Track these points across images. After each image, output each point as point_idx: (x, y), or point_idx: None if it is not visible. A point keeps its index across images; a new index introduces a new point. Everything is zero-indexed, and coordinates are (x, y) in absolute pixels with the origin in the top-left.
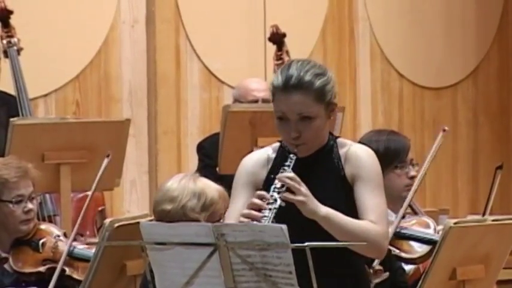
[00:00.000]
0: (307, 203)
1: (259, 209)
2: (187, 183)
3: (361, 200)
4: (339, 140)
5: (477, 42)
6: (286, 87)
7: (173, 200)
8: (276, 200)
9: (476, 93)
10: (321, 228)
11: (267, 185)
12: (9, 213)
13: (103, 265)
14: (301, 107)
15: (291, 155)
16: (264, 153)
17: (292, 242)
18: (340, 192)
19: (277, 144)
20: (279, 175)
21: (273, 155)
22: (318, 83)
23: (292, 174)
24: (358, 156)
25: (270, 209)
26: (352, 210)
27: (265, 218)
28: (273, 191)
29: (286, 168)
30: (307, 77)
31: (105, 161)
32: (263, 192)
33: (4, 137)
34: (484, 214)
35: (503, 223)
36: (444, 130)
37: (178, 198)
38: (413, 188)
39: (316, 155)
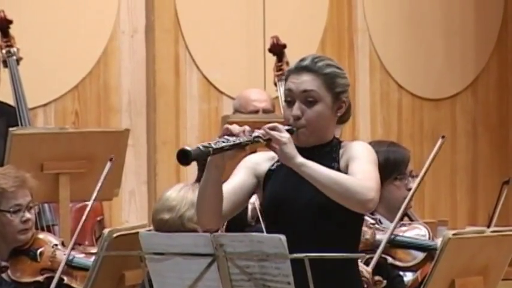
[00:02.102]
0: (287, 145)
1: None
2: (186, 193)
3: (350, 170)
4: (344, 142)
5: (476, 54)
6: (298, 69)
7: (171, 209)
8: (254, 132)
9: (475, 104)
10: (316, 230)
11: (267, 179)
12: (7, 223)
13: (102, 275)
14: (307, 85)
15: (288, 127)
16: (270, 152)
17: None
18: None
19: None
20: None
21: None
22: (328, 70)
23: (278, 125)
24: (351, 144)
25: (245, 134)
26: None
27: (240, 138)
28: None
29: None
30: (319, 64)
31: (108, 164)
32: (246, 127)
33: (3, 147)
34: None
35: (502, 234)
36: (443, 137)
37: (176, 208)
38: (410, 193)
39: (314, 148)
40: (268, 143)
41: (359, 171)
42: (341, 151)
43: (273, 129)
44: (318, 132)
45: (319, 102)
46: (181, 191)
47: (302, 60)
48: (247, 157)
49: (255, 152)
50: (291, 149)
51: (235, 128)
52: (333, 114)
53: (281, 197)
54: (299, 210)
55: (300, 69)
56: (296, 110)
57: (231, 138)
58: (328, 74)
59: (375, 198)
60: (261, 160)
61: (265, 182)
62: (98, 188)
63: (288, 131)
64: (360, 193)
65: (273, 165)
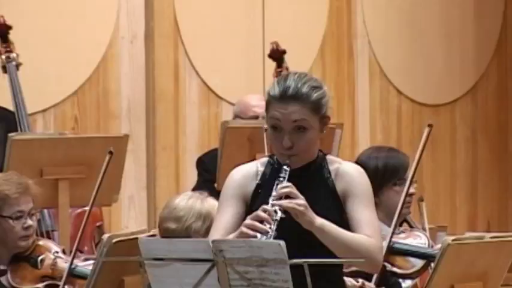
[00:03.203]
0: (306, 214)
1: (262, 221)
2: (194, 204)
3: (355, 216)
4: (329, 156)
5: (476, 60)
6: (283, 98)
7: (179, 219)
8: (276, 212)
9: (474, 110)
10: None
11: (255, 197)
12: (9, 229)
13: (101, 281)
14: (297, 115)
15: (285, 166)
16: (253, 166)
17: (292, 256)
18: (332, 205)
19: (266, 158)
20: (279, 186)
21: (262, 169)
22: (314, 95)
23: (290, 184)
24: (350, 173)
25: (274, 221)
26: (344, 224)
27: (269, 230)
28: (272, 204)
29: (281, 179)
30: (305, 89)
31: (108, 157)
32: (266, 206)
33: (3, 153)
34: None
35: (501, 240)
36: (429, 125)
37: (183, 219)
38: (405, 189)
39: (305, 168)
40: (288, 214)
41: (366, 224)
42: (332, 169)
43: (289, 196)
44: (308, 154)
45: (309, 130)
46: (190, 201)
47: (285, 85)
48: (231, 181)
49: (241, 163)
50: (310, 216)
51: (260, 226)
52: (320, 133)
53: (285, 221)
54: (294, 220)
55: (287, 97)
56: (287, 141)
57: (265, 237)
58: (314, 100)
59: (382, 257)
60: (246, 180)
61: (254, 199)
62: (98, 182)
63: (285, 165)
64: (373, 259)
65: (259, 179)
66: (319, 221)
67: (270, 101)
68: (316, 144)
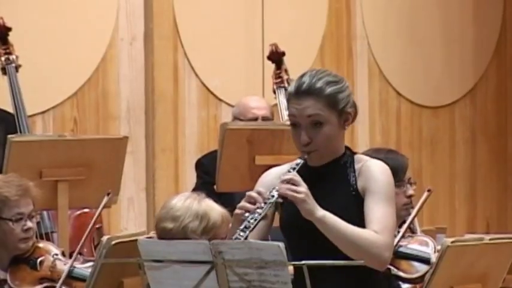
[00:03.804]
0: (306, 201)
1: (255, 203)
2: (191, 204)
3: (367, 211)
4: (357, 155)
5: (475, 61)
6: (298, 93)
7: (175, 219)
8: (273, 196)
9: (474, 112)
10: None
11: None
12: (9, 231)
13: (100, 282)
14: (310, 110)
15: (299, 160)
16: (285, 168)
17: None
18: (352, 207)
19: (298, 160)
20: (282, 175)
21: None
22: (328, 90)
23: (294, 173)
24: (370, 169)
25: (265, 203)
26: (362, 224)
27: (259, 210)
28: (273, 189)
29: (291, 170)
30: (318, 84)
31: (106, 198)
32: (261, 189)
33: (2, 154)
34: None
35: (500, 242)
36: (429, 191)
37: (180, 218)
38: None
39: (328, 165)
40: (286, 200)
41: (377, 220)
42: (357, 167)
43: (289, 182)
44: (330, 151)
45: (325, 124)
46: (187, 201)
47: (300, 81)
48: (261, 180)
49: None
50: (310, 205)
51: (249, 205)
52: (341, 129)
53: (300, 216)
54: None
55: (301, 93)
56: (304, 136)
57: (253, 215)
58: (328, 94)
59: (390, 254)
60: (275, 180)
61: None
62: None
63: (300, 158)
64: (376, 255)
65: None
66: (321, 212)
67: (288, 98)
68: (339, 140)
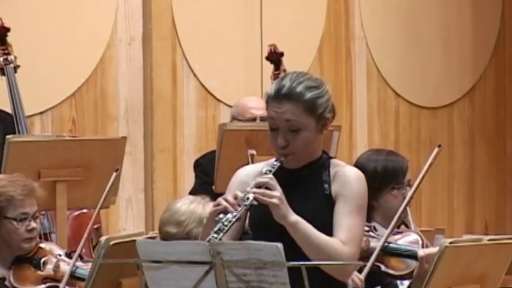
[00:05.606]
0: (279, 206)
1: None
2: (196, 208)
3: (337, 217)
4: (333, 160)
5: (473, 62)
6: (277, 97)
7: (179, 224)
8: (248, 199)
9: (472, 112)
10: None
11: None
12: (13, 231)
13: (98, 283)
14: (289, 115)
15: (275, 162)
16: (258, 167)
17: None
18: (324, 210)
19: (274, 159)
20: (258, 178)
21: (266, 168)
22: (308, 95)
23: (270, 176)
24: (346, 175)
25: (239, 205)
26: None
27: (234, 212)
28: (248, 192)
29: (267, 173)
30: (298, 89)
31: (114, 174)
32: (238, 192)
33: (0, 155)
34: None
35: (499, 243)
36: (439, 146)
37: (184, 223)
38: (405, 201)
39: (304, 168)
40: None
41: (346, 229)
42: (332, 171)
43: (264, 185)
44: (307, 154)
45: (303, 130)
46: (191, 206)
47: (281, 84)
48: (235, 179)
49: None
50: (283, 210)
51: (225, 205)
52: (318, 133)
53: (272, 218)
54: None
55: (281, 97)
56: (281, 140)
57: (227, 216)
58: (308, 99)
59: (354, 267)
60: (249, 179)
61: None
62: (103, 198)
63: (277, 160)
64: (341, 269)
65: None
66: (294, 218)
67: (267, 100)
68: (315, 144)
